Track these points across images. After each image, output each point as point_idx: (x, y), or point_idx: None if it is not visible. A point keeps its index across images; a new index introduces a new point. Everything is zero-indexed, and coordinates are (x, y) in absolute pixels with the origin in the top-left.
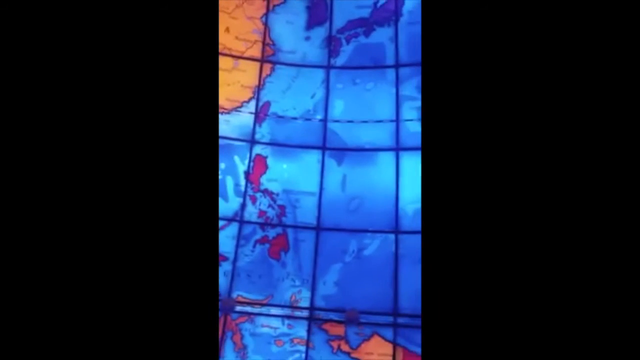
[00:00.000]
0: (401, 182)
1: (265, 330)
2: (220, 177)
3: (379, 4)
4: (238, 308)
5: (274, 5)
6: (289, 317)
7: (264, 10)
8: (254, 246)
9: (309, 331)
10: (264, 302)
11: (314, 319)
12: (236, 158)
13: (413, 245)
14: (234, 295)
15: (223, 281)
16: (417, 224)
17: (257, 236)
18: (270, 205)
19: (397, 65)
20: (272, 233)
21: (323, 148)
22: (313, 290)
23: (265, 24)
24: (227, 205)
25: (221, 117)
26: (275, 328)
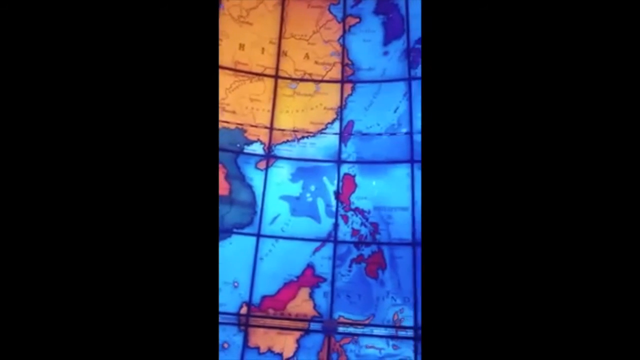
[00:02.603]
0: None
1: (370, 351)
2: (311, 199)
3: None
4: (341, 329)
5: (350, 26)
6: (393, 337)
7: (340, 33)
8: (350, 266)
9: (415, 352)
10: (366, 322)
11: (420, 338)
12: (325, 179)
13: None
14: (336, 316)
15: (323, 302)
16: None
17: (353, 255)
18: (362, 224)
19: None
20: (367, 251)
21: (411, 161)
22: (416, 309)
23: (343, 45)
24: (320, 226)
25: (307, 141)
26: (381, 349)
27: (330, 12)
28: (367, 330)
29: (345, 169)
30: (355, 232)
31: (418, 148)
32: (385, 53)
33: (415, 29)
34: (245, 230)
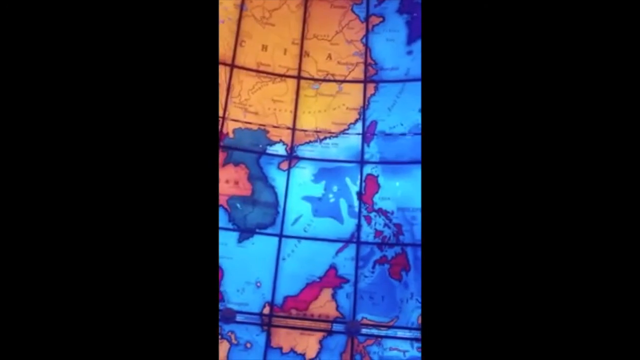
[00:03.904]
0: None
1: (394, 353)
2: (333, 199)
3: None
4: (364, 330)
5: (373, 26)
6: (417, 339)
7: (363, 32)
8: (374, 267)
9: None
10: (390, 324)
11: None
12: (348, 180)
13: None
14: (359, 317)
15: (346, 303)
16: None
17: (376, 257)
18: (386, 225)
19: None
20: (390, 253)
21: None
22: None
23: (366, 45)
24: (343, 227)
25: (329, 141)
26: (405, 351)
27: (353, 12)
28: (390, 332)
29: (368, 169)
30: (378, 233)
31: None
32: (409, 52)
33: None
34: (268, 231)
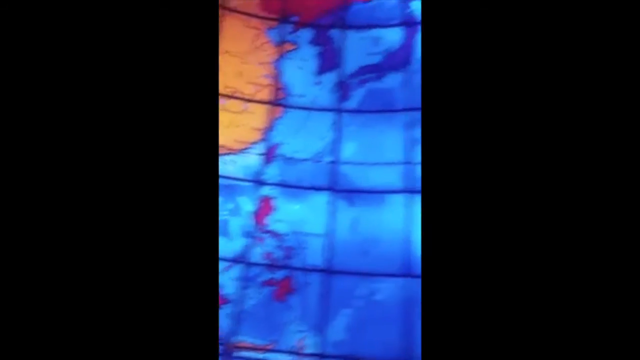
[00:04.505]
0: (413, 225)
1: None
2: (226, 217)
3: (390, 51)
4: (241, 353)
5: (286, 52)
6: None
7: (275, 57)
8: (259, 288)
9: None
10: (268, 347)
11: None
12: (242, 199)
13: None
14: (237, 339)
15: (225, 324)
16: None
17: (263, 278)
18: (277, 247)
19: (407, 110)
20: (278, 275)
21: (332, 190)
22: (321, 336)
23: (277, 69)
24: (232, 246)
25: (228, 158)
26: None
27: (267, 35)
28: (268, 355)
29: (265, 190)
30: (268, 254)
31: (341, 177)
32: (318, 83)
33: (350, 63)
34: None
